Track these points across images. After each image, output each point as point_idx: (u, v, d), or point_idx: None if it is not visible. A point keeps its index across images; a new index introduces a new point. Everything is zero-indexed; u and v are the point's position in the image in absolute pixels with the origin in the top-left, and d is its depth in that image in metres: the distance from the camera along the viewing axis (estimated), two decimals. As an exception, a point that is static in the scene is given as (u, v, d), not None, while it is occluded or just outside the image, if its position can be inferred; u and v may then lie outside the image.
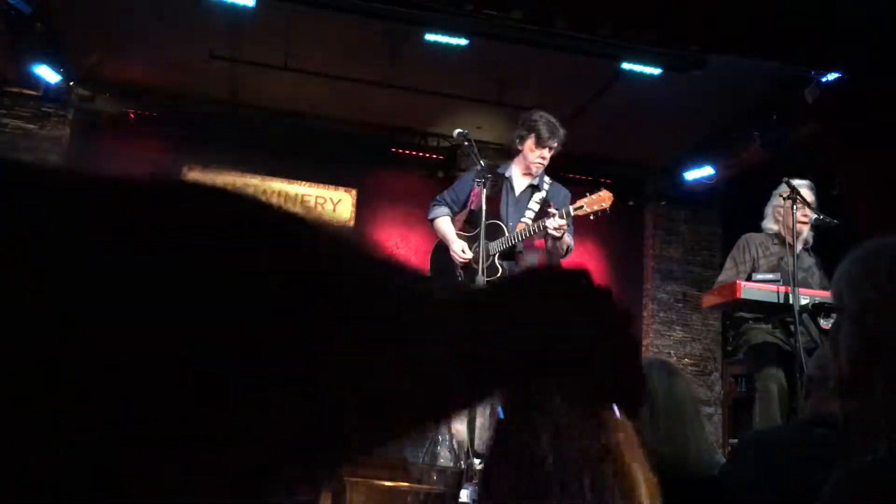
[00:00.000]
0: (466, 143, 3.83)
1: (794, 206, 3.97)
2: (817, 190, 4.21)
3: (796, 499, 1.27)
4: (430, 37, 5.22)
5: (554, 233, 3.78)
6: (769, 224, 4.25)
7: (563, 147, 4.17)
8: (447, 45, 5.27)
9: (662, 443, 1.44)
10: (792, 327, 3.79)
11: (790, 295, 3.78)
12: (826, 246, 4.17)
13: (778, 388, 3.82)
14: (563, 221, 3.78)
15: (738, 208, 7.04)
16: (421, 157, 7.34)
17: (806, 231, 4.14)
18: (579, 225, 3.92)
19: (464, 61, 5.57)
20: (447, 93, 6.28)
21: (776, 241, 4.19)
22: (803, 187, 4.10)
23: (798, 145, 5.74)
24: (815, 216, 4.04)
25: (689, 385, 1.63)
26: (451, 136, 4.30)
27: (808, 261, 4.18)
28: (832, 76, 5.14)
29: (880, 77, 4.69)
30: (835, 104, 5.11)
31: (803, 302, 3.77)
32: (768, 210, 4.28)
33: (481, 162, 3.83)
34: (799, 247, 4.12)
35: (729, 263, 4.26)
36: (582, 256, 7.78)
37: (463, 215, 4.20)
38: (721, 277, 4.25)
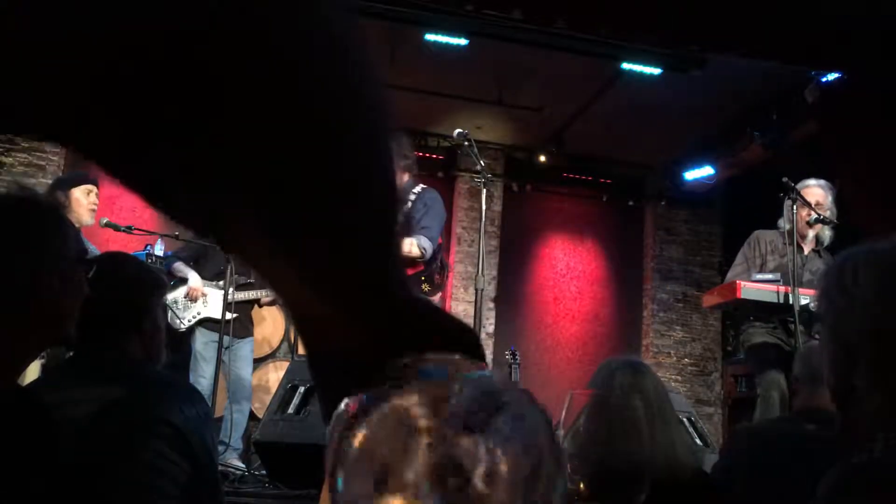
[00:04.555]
0: (466, 143, 3.82)
1: (795, 207, 3.96)
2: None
3: (787, 494, 1.27)
4: (430, 37, 5.22)
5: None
6: (782, 222, 4.22)
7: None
8: (447, 45, 5.27)
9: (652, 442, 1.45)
10: (792, 327, 3.78)
11: (790, 295, 3.77)
12: (831, 247, 4.15)
13: (780, 394, 3.75)
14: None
15: (738, 208, 7.05)
16: (421, 157, 7.33)
17: (812, 233, 4.11)
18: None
19: (464, 61, 5.57)
20: (447, 93, 6.28)
21: (785, 240, 4.16)
22: (816, 187, 4.07)
23: (798, 145, 5.74)
24: (815, 216, 4.03)
25: (662, 384, 1.65)
26: (451, 136, 4.30)
27: (818, 263, 4.11)
28: (832, 76, 5.14)
29: (880, 77, 4.69)
30: (835, 104, 5.11)
31: (803, 302, 3.76)
32: (784, 209, 4.25)
33: (482, 162, 3.82)
34: (808, 248, 4.10)
35: (739, 259, 4.21)
36: (583, 256, 7.78)
37: None
38: (731, 274, 4.20)
